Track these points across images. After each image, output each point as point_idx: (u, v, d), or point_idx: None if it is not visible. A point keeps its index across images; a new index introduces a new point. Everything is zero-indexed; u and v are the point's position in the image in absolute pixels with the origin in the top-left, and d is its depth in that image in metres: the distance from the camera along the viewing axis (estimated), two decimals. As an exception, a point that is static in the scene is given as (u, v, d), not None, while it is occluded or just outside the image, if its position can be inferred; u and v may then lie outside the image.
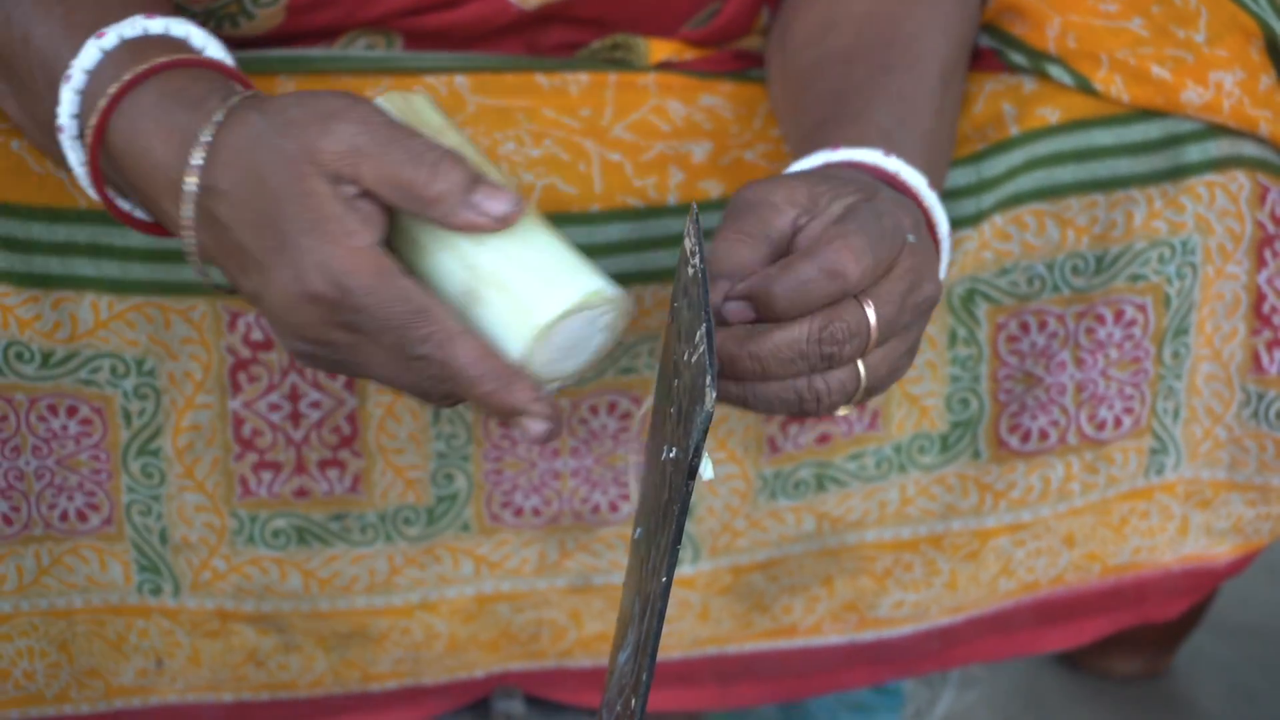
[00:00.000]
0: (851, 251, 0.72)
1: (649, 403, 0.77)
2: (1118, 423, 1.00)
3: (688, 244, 0.71)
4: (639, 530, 0.75)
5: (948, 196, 0.93)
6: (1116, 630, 1.05)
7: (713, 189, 0.94)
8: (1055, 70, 0.95)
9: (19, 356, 0.87)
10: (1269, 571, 1.48)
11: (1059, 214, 0.95)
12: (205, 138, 0.73)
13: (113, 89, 0.76)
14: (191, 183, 0.73)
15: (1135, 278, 0.97)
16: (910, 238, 0.75)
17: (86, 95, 0.77)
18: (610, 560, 0.99)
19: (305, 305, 0.71)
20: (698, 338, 0.68)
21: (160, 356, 0.90)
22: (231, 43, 0.87)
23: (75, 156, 0.79)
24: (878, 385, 0.77)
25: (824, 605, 1.02)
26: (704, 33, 0.98)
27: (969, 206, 0.94)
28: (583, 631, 1.00)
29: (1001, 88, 0.96)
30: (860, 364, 0.75)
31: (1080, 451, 1.00)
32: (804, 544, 1.01)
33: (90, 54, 0.77)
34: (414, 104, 0.77)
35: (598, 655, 1.01)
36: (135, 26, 0.78)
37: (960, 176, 0.94)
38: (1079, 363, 0.99)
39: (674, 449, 0.69)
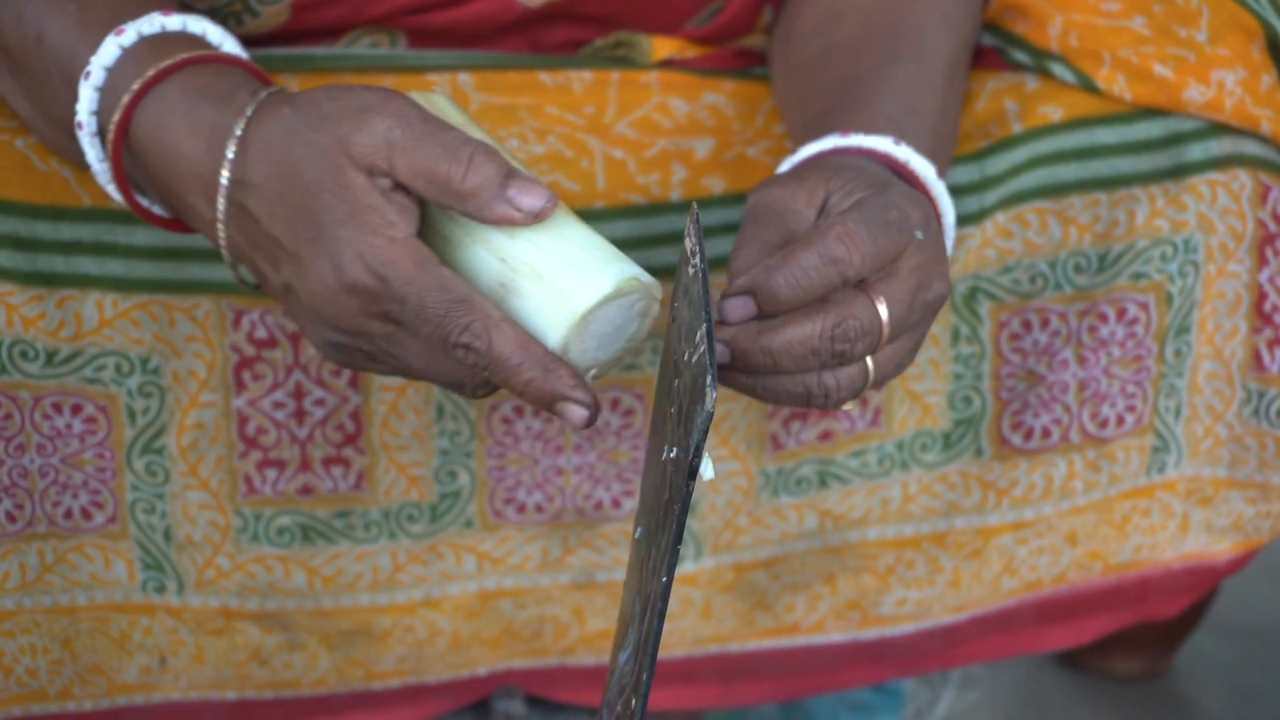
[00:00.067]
0: (850, 239, 0.73)
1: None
2: (1120, 421, 1.00)
3: (688, 244, 0.72)
4: (639, 530, 0.75)
5: (951, 194, 0.93)
6: (1118, 629, 1.05)
7: (715, 185, 0.95)
8: (1058, 69, 0.95)
9: (23, 355, 0.87)
10: (1269, 571, 1.48)
11: (1061, 212, 0.96)
12: (238, 131, 0.74)
13: (136, 84, 0.76)
14: (224, 176, 0.74)
15: (1137, 276, 0.97)
16: (918, 234, 0.75)
17: (106, 92, 0.78)
18: (613, 557, 0.99)
19: (344, 296, 0.72)
20: (698, 338, 0.68)
21: (165, 355, 0.90)
22: (235, 41, 0.87)
23: (94, 153, 0.79)
24: (883, 381, 0.77)
25: (826, 603, 1.03)
26: (706, 31, 0.98)
27: (972, 204, 0.95)
28: (585, 628, 1.00)
29: (1004, 85, 0.97)
30: (869, 360, 0.76)
31: (1082, 449, 1.00)
32: (806, 541, 1.01)
33: (109, 51, 0.78)
34: (435, 103, 0.77)
35: (600, 652, 1.01)
36: (153, 23, 0.78)
37: (963, 174, 0.94)
38: (1081, 361, 0.99)
39: (674, 449, 0.70)
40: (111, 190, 0.81)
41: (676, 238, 0.93)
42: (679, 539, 0.68)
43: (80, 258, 0.87)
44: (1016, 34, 0.97)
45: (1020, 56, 0.96)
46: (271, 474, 0.93)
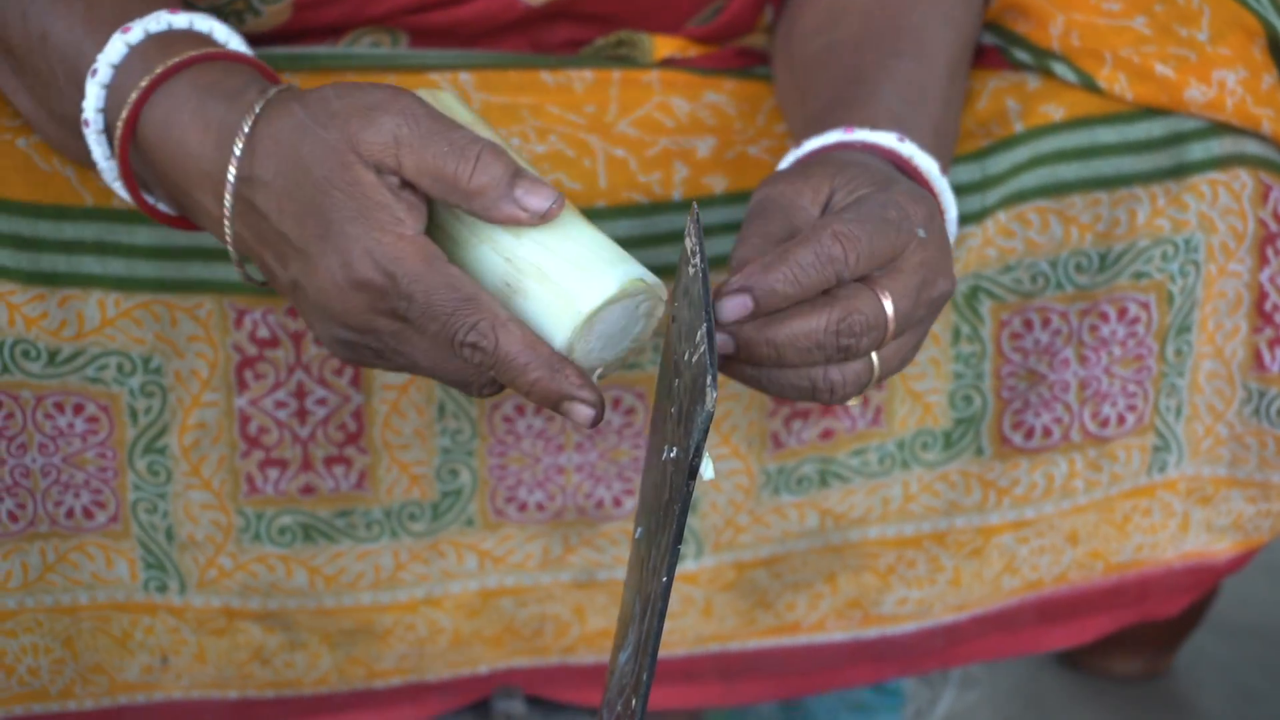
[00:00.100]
0: (846, 238, 0.73)
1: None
2: (1120, 420, 1.00)
3: (688, 243, 0.72)
4: (640, 530, 0.75)
5: (953, 193, 0.93)
6: (1119, 628, 1.06)
7: (717, 184, 0.95)
8: (1059, 68, 0.95)
9: (25, 354, 0.87)
10: (1269, 572, 1.48)
11: (1063, 211, 0.96)
12: (246, 128, 0.74)
13: (144, 81, 0.77)
14: (231, 172, 0.74)
15: (1138, 275, 0.97)
16: (920, 232, 0.75)
17: (112, 89, 0.78)
18: (614, 555, 0.99)
19: (352, 292, 0.72)
20: (698, 337, 0.68)
21: (167, 354, 0.90)
22: (237, 40, 0.87)
23: (101, 150, 0.79)
24: (887, 376, 0.78)
25: (827, 602, 1.03)
26: (708, 30, 0.98)
27: (973, 203, 0.95)
28: (586, 627, 1.00)
29: (1005, 84, 0.97)
30: (874, 356, 0.76)
31: (1083, 449, 1.00)
32: (807, 540, 1.01)
33: (116, 48, 0.78)
34: (443, 101, 0.78)
35: (601, 651, 1.01)
36: (160, 21, 0.79)
37: (965, 173, 0.94)
38: (1082, 360, 0.99)
39: (674, 449, 0.70)
40: (118, 188, 0.81)
41: (678, 237, 0.94)
42: (679, 539, 0.68)
43: (82, 257, 0.87)
44: (1018, 33, 0.97)
45: (1022, 56, 0.97)
46: (273, 473, 0.93)
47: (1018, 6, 0.96)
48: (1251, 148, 0.95)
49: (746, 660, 1.03)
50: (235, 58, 0.79)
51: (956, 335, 0.97)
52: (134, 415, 0.90)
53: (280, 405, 0.92)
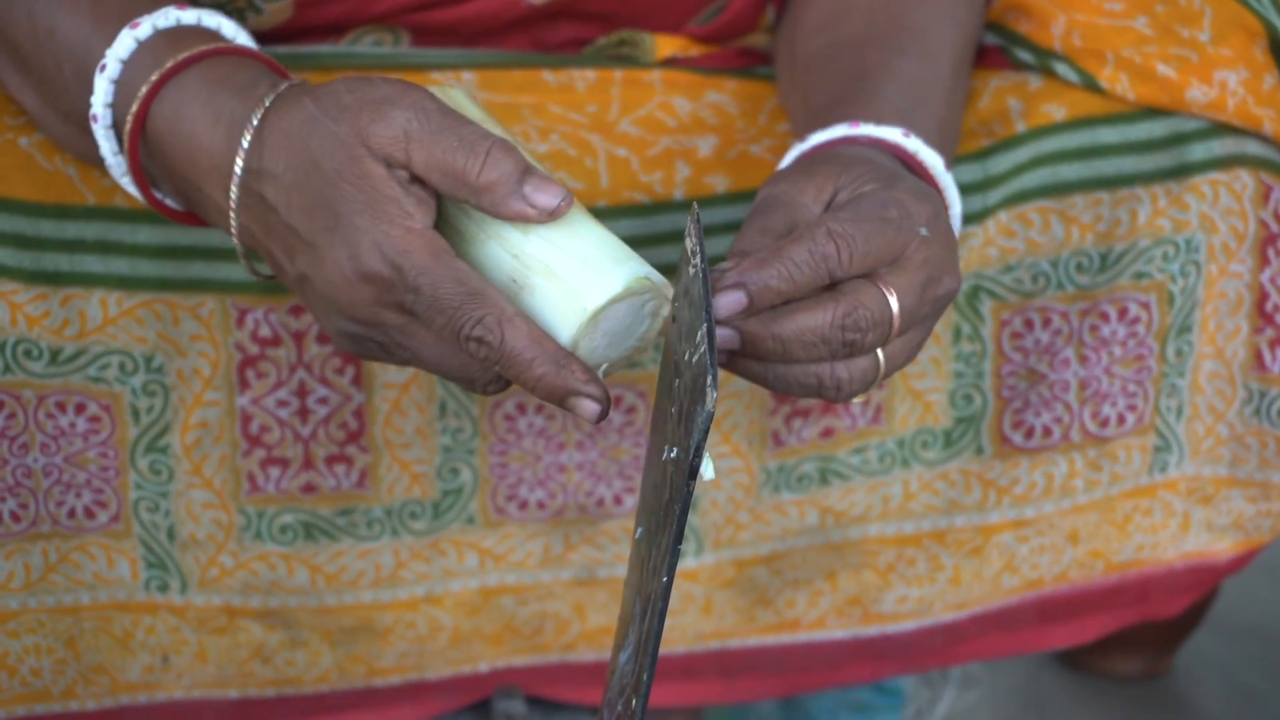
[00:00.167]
0: (841, 237, 0.73)
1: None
2: (1121, 420, 1.00)
3: (689, 243, 0.72)
4: (640, 530, 0.75)
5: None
6: (1119, 628, 1.06)
7: (719, 184, 0.95)
8: (1061, 68, 0.95)
9: (27, 354, 0.87)
10: (1269, 572, 1.48)
11: (1064, 211, 0.96)
12: (254, 121, 0.74)
13: (155, 75, 0.77)
14: (238, 164, 0.74)
15: (1139, 275, 0.97)
16: (923, 230, 0.75)
17: (121, 85, 0.78)
18: (614, 553, 0.99)
19: (359, 284, 0.72)
20: (699, 337, 0.68)
21: (169, 353, 0.90)
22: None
23: (109, 146, 0.80)
24: (891, 373, 0.78)
25: (827, 600, 1.03)
26: (710, 29, 0.98)
27: (975, 203, 0.95)
28: (586, 624, 1.01)
29: (1007, 84, 0.97)
30: (880, 353, 0.76)
31: (1083, 448, 1.01)
32: (807, 538, 1.01)
33: (125, 43, 0.78)
34: (453, 98, 0.78)
35: (601, 648, 1.01)
36: (169, 17, 0.79)
37: (967, 173, 0.94)
38: (1083, 360, 0.99)
39: (675, 449, 0.70)
40: (125, 183, 0.81)
41: (679, 236, 0.94)
42: (679, 539, 0.68)
43: (84, 256, 0.87)
44: (1020, 33, 0.97)
45: (1023, 56, 0.97)
46: (275, 472, 0.93)
47: (1020, 6, 0.96)
48: (1252, 148, 0.95)
49: (746, 657, 1.04)
50: (245, 53, 0.79)
51: (957, 334, 0.97)
52: (136, 414, 0.90)
53: (282, 404, 0.92)
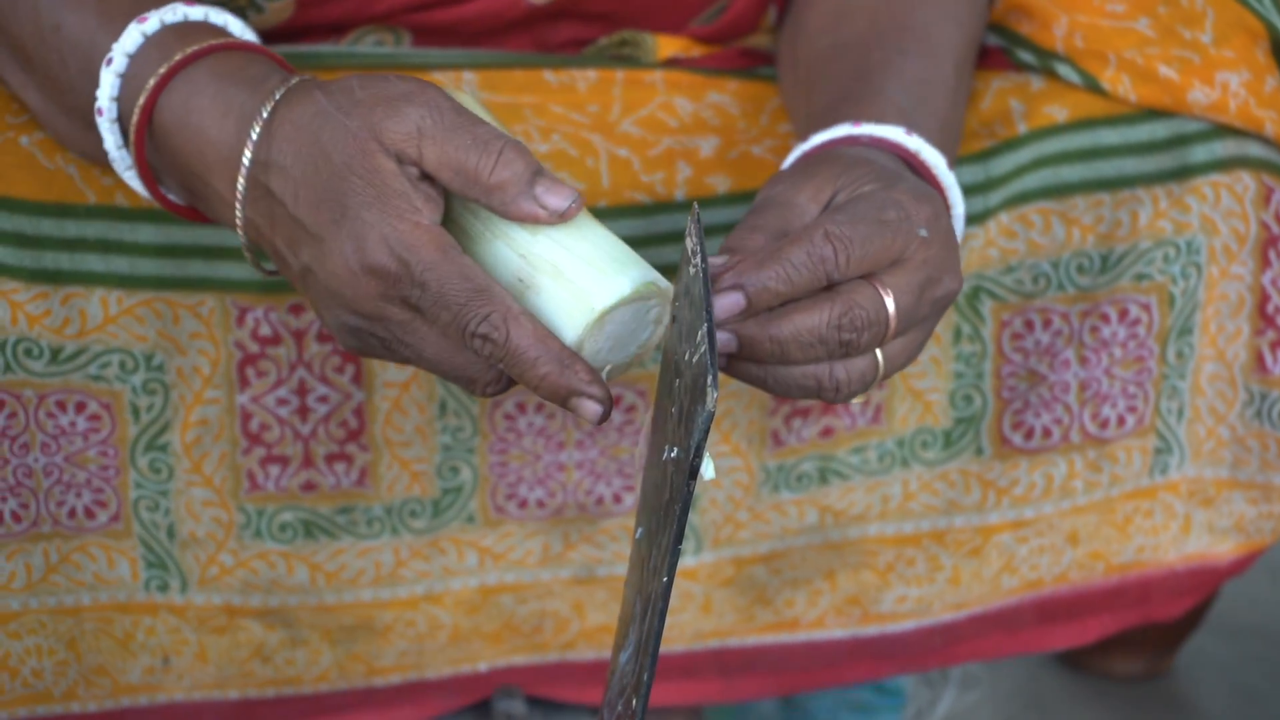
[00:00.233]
0: (838, 239, 0.73)
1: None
2: (1121, 421, 1.00)
3: (689, 243, 0.72)
4: (640, 529, 0.75)
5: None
6: (1120, 629, 1.06)
7: (720, 184, 0.95)
8: (1063, 69, 0.95)
9: (28, 353, 0.87)
10: (1270, 572, 1.49)
11: (1065, 212, 0.96)
12: (264, 113, 0.74)
13: (163, 68, 0.77)
14: (246, 155, 0.74)
15: (1140, 277, 0.97)
16: (922, 232, 0.75)
17: (127, 79, 0.78)
18: (613, 552, 0.99)
19: (364, 278, 0.72)
20: (699, 337, 0.68)
21: (169, 352, 0.90)
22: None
23: (113, 140, 0.80)
24: (891, 374, 0.78)
25: (826, 599, 1.03)
26: (711, 29, 0.98)
27: (976, 204, 0.95)
28: (585, 623, 1.01)
29: (1009, 85, 0.97)
30: (879, 354, 0.76)
31: (1083, 450, 1.01)
32: (806, 537, 1.01)
33: (132, 38, 0.78)
34: (463, 101, 0.78)
35: (600, 647, 1.01)
36: (176, 12, 0.79)
37: (968, 175, 0.94)
38: (1083, 361, 0.99)
39: (675, 449, 0.70)
40: (130, 177, 0.81)
41: (680, 236, 0.93)
42: (680, 539, 0.68)
43: (85, 255, 0.87)
44: (1022, 34, 0.97)
45: (1025, 57, 0.97)
46: (275, 470, 0.93)
47: (1022, 7, 0.96)
48: (1254, 150, 0.95)
49: (745, 656, 1.04)
50: (254, 49, 0.79)
51: (958, 335, 0.98)
52: (136, 413, 0.90)
53: (282, 402, 0.92)
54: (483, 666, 1.00)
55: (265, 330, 0.91)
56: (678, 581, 1.00)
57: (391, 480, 0.95)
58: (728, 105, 0.96)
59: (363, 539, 0.96)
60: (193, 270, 0.89)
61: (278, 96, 0.74)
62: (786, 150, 0.94)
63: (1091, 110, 0.95)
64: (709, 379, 0.66)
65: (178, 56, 0.77)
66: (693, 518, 0.99)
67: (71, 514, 0.91)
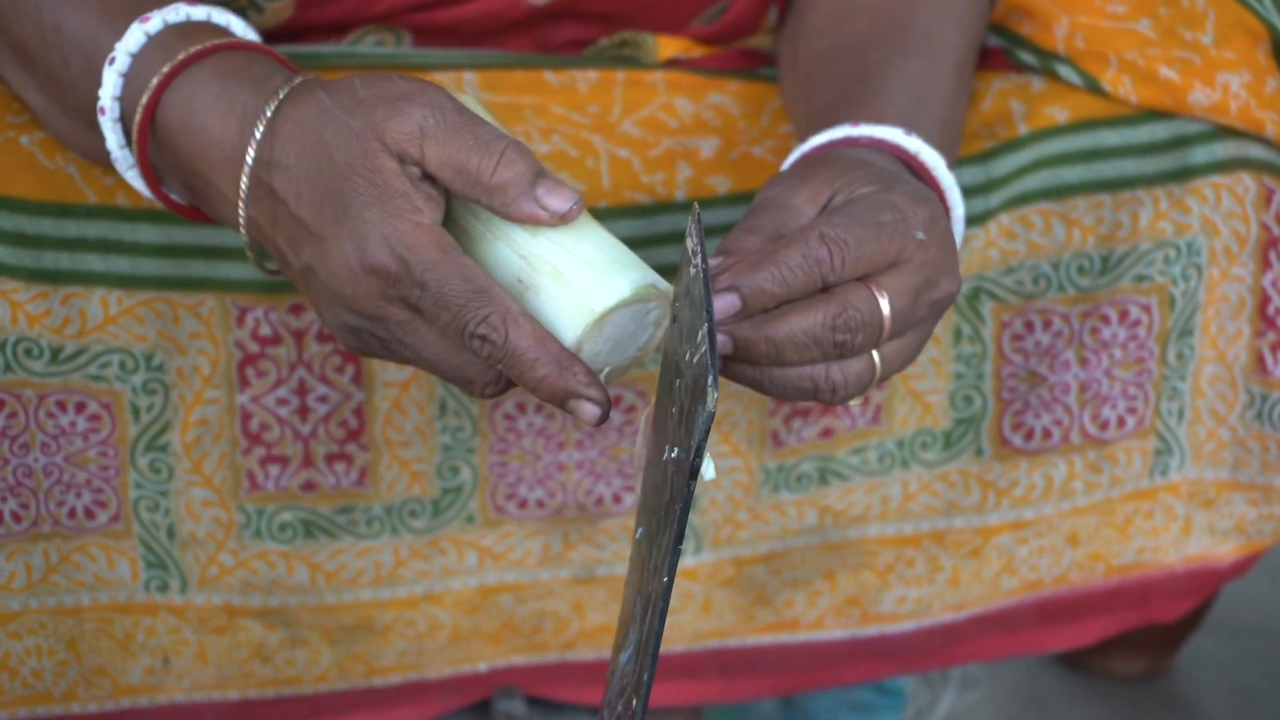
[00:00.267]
0: (833, 242, 0.73)
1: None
2: (1121, 423, 1.00)
3: (689, 244, 0.72)
4: (640, 529, 0.75)
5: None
6: (1120, 631, 1.06)
7: (720, 185, 0.95)
8: (1064, 70, 0.95)
9: (28, 352, 0.87)
10: (1270, 573, 1.49)
11: (1065, 214, 0.96)
12: (268, 112, 0.74)
13: (166, 67, 0.77)
14: (250, 154, 0.74)
15: (1140, 278, 0.97)
16: (919, 234, 0.75)
17: (130, 77, 0.78)
18: (613, 552, 0.99)
19: (365, 277, 0.72)
20: (699, 337, 0.68)
21: (169, 352, 0.90)
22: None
23: (115, 139, 0.80)
24: (889, 376, 0.77)
25: (826, 599, 1.03)
26: (712, 30, 0.98)
27: (977, 206, 0.95)
28: (585, 623, 1.01)
29: (1010, 86, 0.97)
30: (876, 356, 0.76)
31: (1083, 451, 1.01)
32: (806, 537, 1.01)
33: (135, 37, 0.78)
34: (466, 102, 0.78)
35: (600, 647, 1.01)
36: (179, 13, 0.79)
37: (969, 176, 0.94)
38: (1083, 362, 0.99)
39: (676, 449, 0.70)
40: (132, 177, 0.81)
41: (681, 237, 0.93)
42: (680, 539, 0.68)
43: (85, 255, 0.87)
44: (1023, 35, 0.97)
45: (1026, 58, 0.97)
46: (274, 470, 0.93)
47: (1023, 8, 0.96)
48: (1255, 151, 0.95)
49: (745, 657, 1.04)
50: (257, 49, 0.79)
51: (958, 336, 0.98)
52: (136, 413, 0.90)
53: (282, 402, 0.92)
54: (482, 666, 1.00)
55: (265, 330, 0.91)
56: (677, 582, 1.00)
57: (391, 480, 0.95)
58: (728, 106, 0.96)
59: (363, 539, 0.96)
60: (193, 270, 0.89)
61: (281, 96, 0.75)
62: (787, 151, 0.94)
63: (1092, 111, 0.95)
64: (709, 379, 0.66)
65: (181, 56, 0.77)
66: (692, 518, 0.99)
67: (71, 514, 0.91)
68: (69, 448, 0.90)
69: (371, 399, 0.93)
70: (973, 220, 0.95)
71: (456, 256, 0.72)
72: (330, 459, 0.94)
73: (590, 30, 0.98)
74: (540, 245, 0.73)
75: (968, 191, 0.94)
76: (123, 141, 0.80)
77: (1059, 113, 0.95)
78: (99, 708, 0.94)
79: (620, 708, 0.72)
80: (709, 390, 0.66)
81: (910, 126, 0.83)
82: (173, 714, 0.96)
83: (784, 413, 0.98)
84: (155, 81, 0.77)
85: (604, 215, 0.92)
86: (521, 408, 0.96)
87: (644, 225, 0.93)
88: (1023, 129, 0.95)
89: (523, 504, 0.97)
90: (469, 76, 0.92)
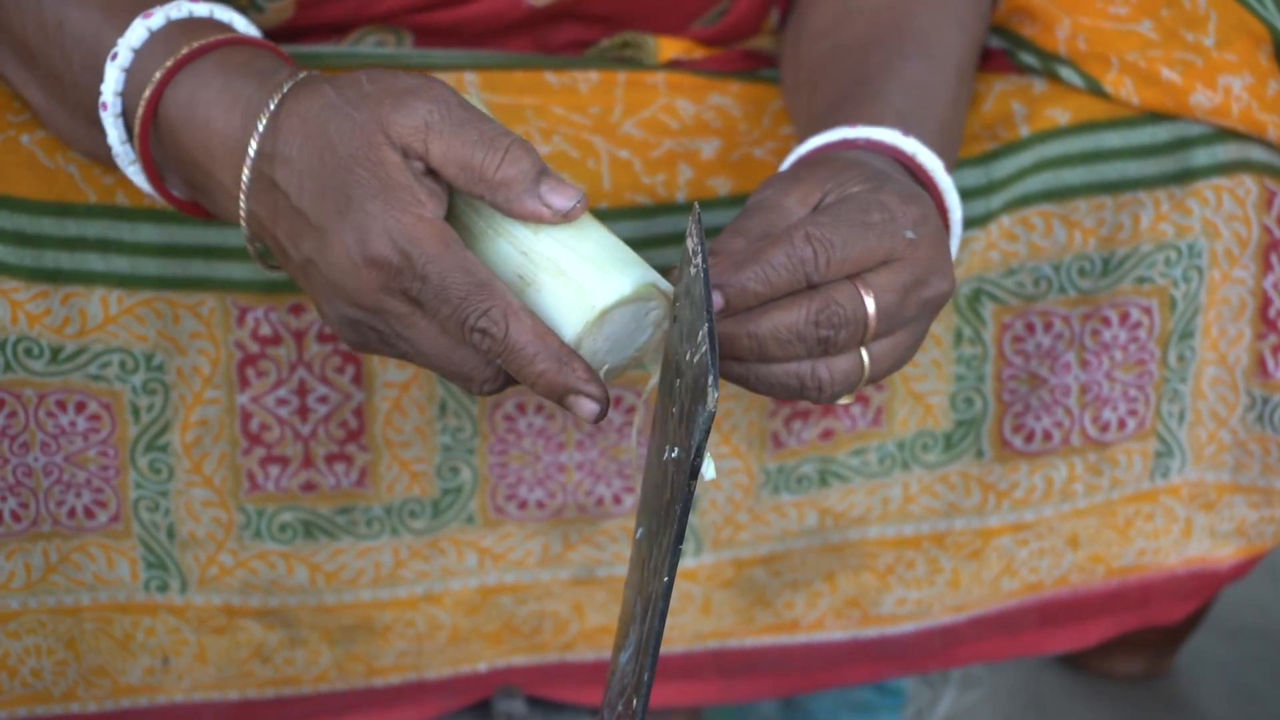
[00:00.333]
0: (818, 241, 0.73)
1: (655, 381, 0.77)
2: (1121, 425, 1.00)
3: (690, 244, 0.72)
4: (641, 529, 0.75)
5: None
6: (1121, 633, 1.06)
7: (721, 186, 0.95)
8: (1066, 72, 0.95)
9: (28, 352, 0.87)
10: (1271, 573, 1.48)
11: (1067, 215, 0.96)
12: (272, 105, 0.74)
13: (170, 61, 0.77)
14: (253, 147, 0.74)
15: (1141, 280, 0.97)
16: (908, 233, 0.74)
17: (132, 73, 0.78)
18: (613, 553, 0.99)
19: (366, 269, 0.72)
20: (699, 337, 0.68)
21: (169, 352, 0.90)
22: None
23: (117, 134, 0.80)
24: (881, 376, 0.77)
25: (826, 601, 1.03)
26: (713, 31, 0.98)
27: (978, 207, 0.95)
28: (585, 624, 1.01)
29: (1011, 88, 0.97)
30: (865, 354, 0.75)
31: (1084, 453, 1.01)
32: (806, 539, 1.01)
33: (138, 33, 0.78)
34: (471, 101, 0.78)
35: (600, 648, 1.01)
36: (181, 9, 0.79)
37: (970, 178, 0.94)
38: (1084, 364, 0.99)
39: (676, 449, 0.70)
40: (133, 172, 0.81)
41: (681, 238, 0.93)
42: (680, 539, 0.68)
43: (85, 254, 0.87)
44: (1024, 36, 0.97)
45: (1028, 59, 0.97)
46: (274, 470, 0.93)
47: (1025, 10, 0.96)
48: (1256, 154, 0.95)
49: (745, 658, 1.04)
50: (260, 44, 0.79)
51: (958, 337, 0.98)
52: (136, 413, 0.90)
53: (282, 403, 0.92)
54: (482, 667, 1.00)
55: (265, 330, 0.91)
56: (678, 583, 1.00)
57: (391, 481, 0.95)
58: (730, 107, 0.96)
59: (362, 539, 0.96)
60: (193, 270, 0.89)
61: (285, 89, 0.75)
62: (788, 153, 0.94)
63: (1094, 113, 0.95)
64: (709, 379, 0.66)
65: (185, 50, 0.77)
66: (693, 519, 0.99)
67: (71, 514, 0.91)
68: (69, 447, 0.90)
69: (372, 399, 0.93)
70: (974, 222, 0.95)
71: (458, 250, 0.72)
72: (330, 459, 0.94)
73: (591, 31, 0.98)
74: (542, 242, 0.73)
75: (969, 193, 0.94)
76: (124, 137, 0.80)
77: (1060, 114, 0.95)
78: (98, 707, 0.94)
79: (620, 707, 0.72)
80: (709, 390, 0.66)
81: (908, 128, 0.83)
82: (172, 714, 0.96)
83: (784, 414, 0.98)
84: (159, 75, 0.77)
85: (605, 216, 0.92)
86: (522, 408, 0.96)
87: (645, 226, 0.93)
88: (1024, 131, 0.95)
89: (523, 505, 0.97)
90: (470, 77, 0.92)
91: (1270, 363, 0.98)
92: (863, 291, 0.74)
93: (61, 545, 0.92)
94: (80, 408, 0.89)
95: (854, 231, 0.73)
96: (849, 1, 0.94)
